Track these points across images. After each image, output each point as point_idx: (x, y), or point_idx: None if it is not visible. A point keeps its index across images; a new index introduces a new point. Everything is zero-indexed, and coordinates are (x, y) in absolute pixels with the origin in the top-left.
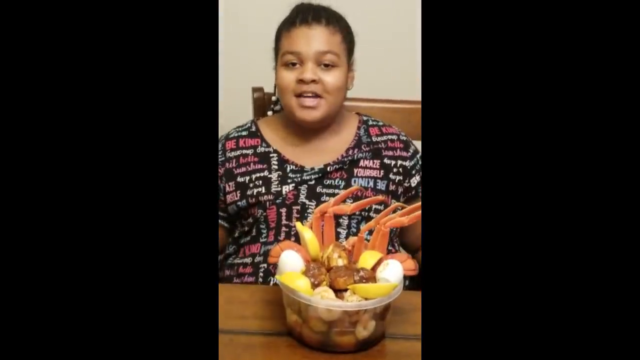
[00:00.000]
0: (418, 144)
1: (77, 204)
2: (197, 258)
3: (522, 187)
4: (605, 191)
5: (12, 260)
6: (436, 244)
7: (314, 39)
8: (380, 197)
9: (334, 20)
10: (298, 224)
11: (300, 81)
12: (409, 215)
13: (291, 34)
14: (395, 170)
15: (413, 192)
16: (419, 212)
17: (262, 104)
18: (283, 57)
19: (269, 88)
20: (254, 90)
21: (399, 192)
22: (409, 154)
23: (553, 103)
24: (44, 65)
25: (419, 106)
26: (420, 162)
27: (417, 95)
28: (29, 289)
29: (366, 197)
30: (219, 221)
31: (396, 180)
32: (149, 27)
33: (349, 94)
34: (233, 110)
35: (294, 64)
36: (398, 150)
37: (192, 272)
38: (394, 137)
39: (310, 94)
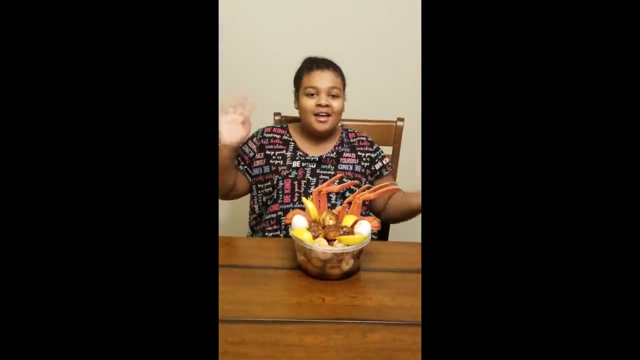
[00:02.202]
0: (387, 149)
1: (82, 184)
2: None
3: (517, 163)
4: (588, 171)
5: (10, 249)
6: (436, 208)
7: (326, 79)
8: (356, 181)
9: (336, 67)
10: (303, 199)
11: (318, 105)
12: (374, 192)
13: (310, 74)
14: (364, 159)
15: (378, 173)
16: (382, 190)
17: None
18: (305, 89)
19: (286, 112)
20: (275, 114)
21: (368, 173)
22: (373, 149)
23: (549, 108)
24: (43, 58)
25: (391, 124)
26: (382, 154)
27: (391, 117)
28: (29, 265)
29: (347, 180)
30: (245, 172)
31: (365, 166)
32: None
33: (347, 116)
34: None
35: (312, 95)
36: (366, 147)
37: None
38: (363, 139)
39: (323, 114)
